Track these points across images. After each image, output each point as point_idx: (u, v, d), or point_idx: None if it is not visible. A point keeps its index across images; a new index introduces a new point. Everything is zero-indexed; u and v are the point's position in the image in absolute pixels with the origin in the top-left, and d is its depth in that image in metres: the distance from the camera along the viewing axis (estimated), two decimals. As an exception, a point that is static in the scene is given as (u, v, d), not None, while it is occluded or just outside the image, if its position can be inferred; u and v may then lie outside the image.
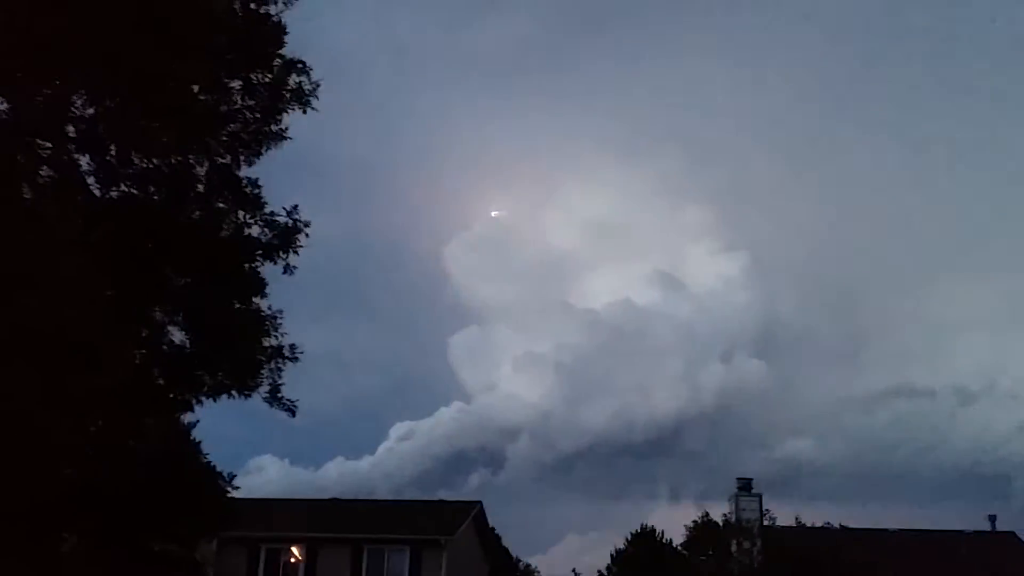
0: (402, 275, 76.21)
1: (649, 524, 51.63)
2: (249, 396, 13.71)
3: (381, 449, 60.03)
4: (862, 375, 65.01)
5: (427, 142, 77.32)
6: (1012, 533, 36.94)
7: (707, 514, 54.71)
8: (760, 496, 35.83)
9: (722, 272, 66.84)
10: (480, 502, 37.29)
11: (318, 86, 13.29)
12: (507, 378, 68.20)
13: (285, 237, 13.36)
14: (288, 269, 13.37)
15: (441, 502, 38.29)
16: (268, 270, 13.38)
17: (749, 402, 64.79)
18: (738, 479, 36.45)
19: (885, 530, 36.44)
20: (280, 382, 13.79)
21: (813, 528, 36.54)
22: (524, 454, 64.78)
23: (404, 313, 78.54)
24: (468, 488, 60.86)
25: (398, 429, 61.30)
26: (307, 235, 13.30)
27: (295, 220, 13.42)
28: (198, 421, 17.09)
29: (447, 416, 64.41)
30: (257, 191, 13.14)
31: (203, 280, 12.75)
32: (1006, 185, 66.01)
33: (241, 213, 13.04)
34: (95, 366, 9.91)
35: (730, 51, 76.12)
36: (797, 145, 75.24)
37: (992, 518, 37.54)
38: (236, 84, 12.70)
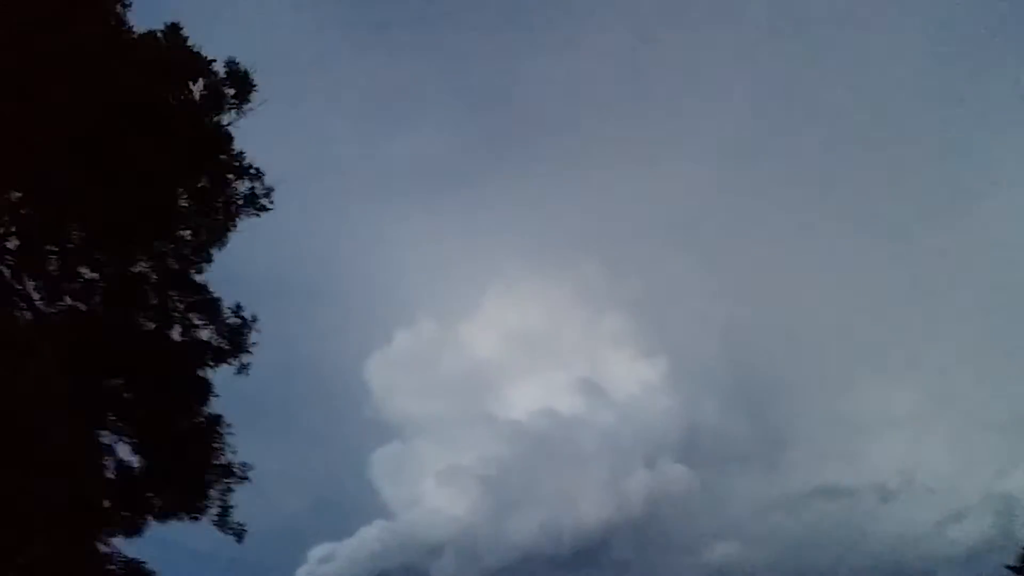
0: (321, 390, 74.65)
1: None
2: (198, 519, 13.00)
3: (301, 573, 57.59)
4: (785, 476, 65.37)
5: (348, 256, 77.06)
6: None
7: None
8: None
9: (643, 378, 67.23)
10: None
11: (271, 191, 13.08)
12: (430, 493, 66.43)
13: (236, 337, 12.90)
14: (242, 369, 12.90)
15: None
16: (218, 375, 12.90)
17: (675, 508, 64.34)
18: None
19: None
20: (230, 504, 13.14)
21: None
22: (449, 571, 62.85)
23: (324, 430, 76.64)
24: (392, 609, 58.54)
25: (318, 551, 59.01)
26: (258, 331, 12.92)
27: (244, 319, 13.02)
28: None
29: (370, 535, 62.33)
30: (210, 295, 12.71)
31: (153, 389, 12.14)
32: (919, 289, 68.30)
33: (192, 317, 12.58)
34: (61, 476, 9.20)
35: (644, 161, 78.30)
36: (713, 250, 77.16)
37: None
38: (187, 189, 12.43)
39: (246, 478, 13.15)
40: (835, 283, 69.98)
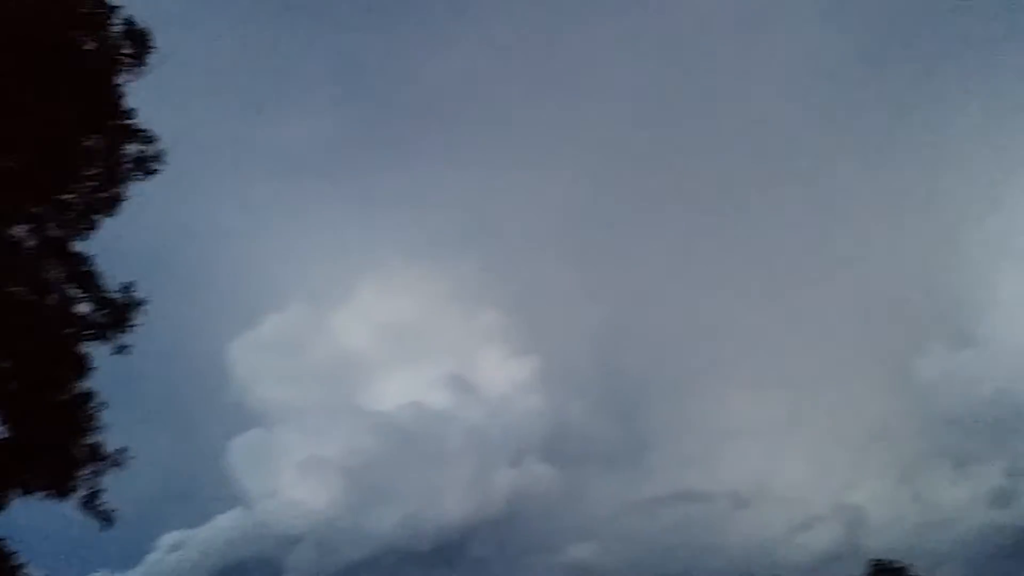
0: (181, 373, 71.90)
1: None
2: (65, 498, 12.17)
3: (149, 561, 55.45)
4: (646, 479, 66.51)
5: (215, 237, 74.52)
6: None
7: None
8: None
9: (513, 376, 67.35)
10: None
11: (162, 155, 12.36)
12: (291, 483, 64.95)
13: (118, 315, 12.11)
14: (121, 349, 12.12)
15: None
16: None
17: (537, 507, 64.70)
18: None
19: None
20: (100, 487, 12.37)
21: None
22: (305, 563, 61.59)
23: (181, 413, 73.85)
24: (242, 601, 57.05)
25: (169, 538, 56.95)
26: (145, 312, 12.18)
27: (130, 297, 12.25)
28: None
29: (224, 524, 60.62)
30: (91, 266, 11.89)
31: (25, 360, 11.26)
32: (788, 303, 70.50)
33: (71, 288, 11.74)
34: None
35: (526, 160, 78.43)
36: (590, 252, 77.90)
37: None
38: (76, 148, 11.58)
39: (121, 462, 12.40)
40: (707, 291, 71.67)
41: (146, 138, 12.29)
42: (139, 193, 12.32)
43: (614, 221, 77.05)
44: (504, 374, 67.59)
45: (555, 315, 74.77)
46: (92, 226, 11.98)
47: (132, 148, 12.24)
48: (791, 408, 65.72)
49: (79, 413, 11.88)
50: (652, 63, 76.33)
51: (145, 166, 12.16)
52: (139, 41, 12.09)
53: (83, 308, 11.92)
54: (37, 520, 12.52)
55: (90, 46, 11.45)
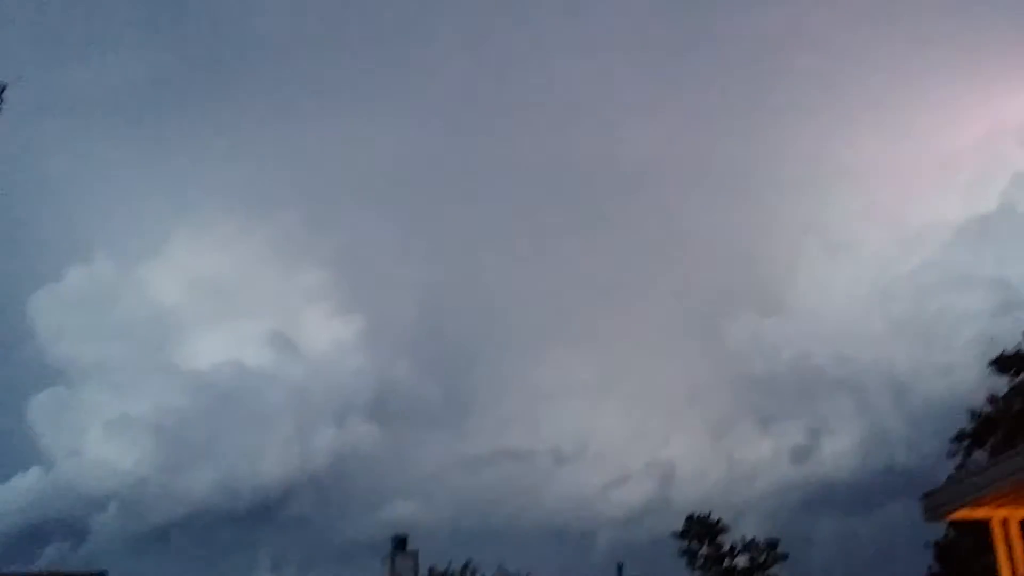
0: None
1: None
2: None
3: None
4: (469, 439, 67.55)
5: (12, 185, 69.10)
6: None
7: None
8: (416, 553, 35.73)
9: (337, 335, 66.67)
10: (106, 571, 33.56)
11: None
12: (97, 443, 61.78)
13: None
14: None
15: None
16: None
17: (360, 466, 64.59)
18: (393, 537, 36.05)
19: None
20: None
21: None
22: (112, 525, 58.85)
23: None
24: (42, 563, 53.93)
25: (-43, 499, 53.24)
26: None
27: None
28: None
29: (23, 485, 57.26)
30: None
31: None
32: (613, 265, 72.76)
33: None
34: None
35: (356, 114, 76.87)
36: (420, 213, 77.50)
37: (620, 566, 40.79)
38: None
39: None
40: (531, 255, 73.17)
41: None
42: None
43: (443, 181, 77.10)
44: (327, 332, 66.85)
45: (380, 274, 74.34)
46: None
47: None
48: (610, 369, 68.44)
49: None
50: (486, 20, 76.29)
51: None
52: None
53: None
54: None
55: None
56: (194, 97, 76.28)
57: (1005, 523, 14.46)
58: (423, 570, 36.23)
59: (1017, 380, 33.68)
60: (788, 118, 69.59)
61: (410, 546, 36.46)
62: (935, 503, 14.61)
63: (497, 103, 76.44)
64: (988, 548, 31.69)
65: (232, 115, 75.81)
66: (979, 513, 14.51)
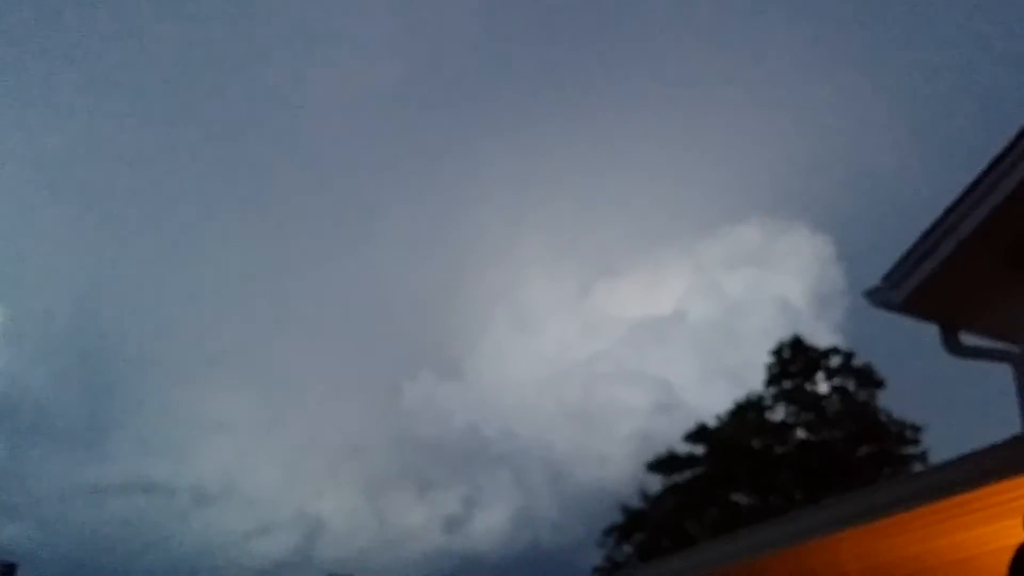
0: None
1: None
2: None
3: None
4: (102, 463, 61.27)
5: None
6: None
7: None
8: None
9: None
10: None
11: None
12: None
13: None
14: None
15: None
16: None
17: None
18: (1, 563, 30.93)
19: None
20: None
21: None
22: None
23: None
24: None
25: None
26: None
27: None
28: None
29: None
30: None
31: None
32: (292, 303, 69.49)
33: None
34: None
35: (22, 84, 69.08)
36: (95, 204, 70.30)
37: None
38: None
39: None
40: (214, 278, 68.46)
41: None
42: None
43: (128, 176, 70.68)
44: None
45: (37, 265, 66.56)
46: None
47: None
48: (274, 411, 64.97)
49: None
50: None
51: None
52: None
53: None
54: None
55: None
56: None
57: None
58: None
59: (670, 481, 34.66)
60: (499, 186, 70.64)
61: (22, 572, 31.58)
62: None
63: (206, 95, 71.63)
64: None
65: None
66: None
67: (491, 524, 58.08)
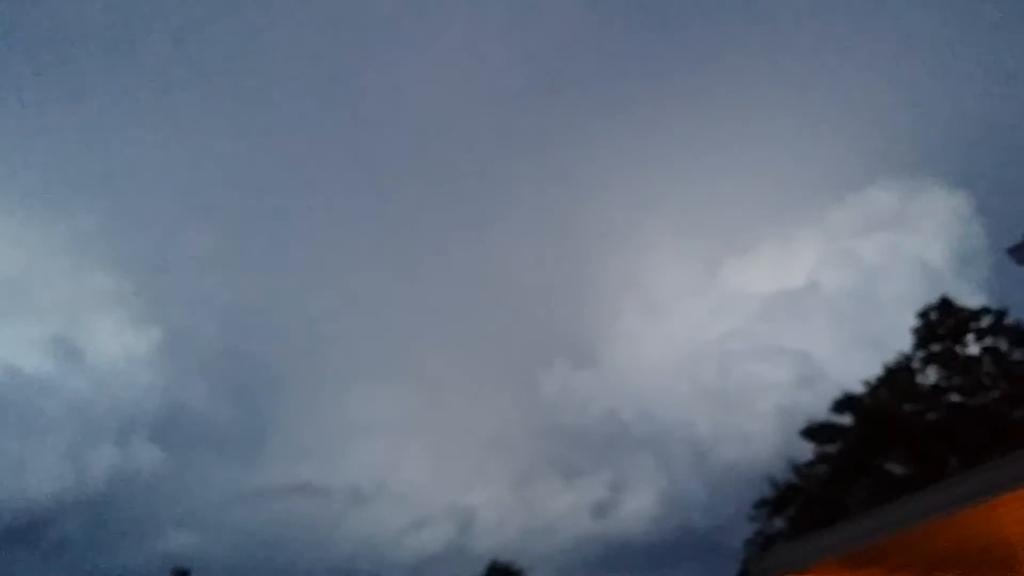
0: None
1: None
2: None
3: None
4: (261, 470, 64.25)
5: None
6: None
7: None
8: (194, 588, 32.91)
9: (129, 347, 62.36)
10: None
11: None
12: None
13: None
14: None
15: None
16: None
17: (140, 490, 60.15)
18: (173, 570, 33.30)
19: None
20: None
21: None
22: None
23: None
24: None
25: None
26: None
27: None
28: None
29: None
30: None
31: None
32: (431, 300, 71.33)
33: None
34: None
35: (163, 105, 72.46)
36: (234, 227, 73.63)
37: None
38: None
39: None
40: (351, 284, 70.77)
41: None
42: None
43: (266, 196, 73.77)
44: (118, 343, 62.48)
45: (184, 286, 70.19)
46: None
47: None
48: (418, 409, 66.78)
49: None
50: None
51: None
52: None
53: None
54: None
55: None
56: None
57: (827, 593, 13.78)
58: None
59: (822, 450, 34.29)
60: (621, 179, 70.67)
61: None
62: (766, 565, 13.81)
63: (341, 121, 74.03)
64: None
65: (28, 96, 70.23)
66: (804, 580, 13.77)
67: (639, 508, 58.38)
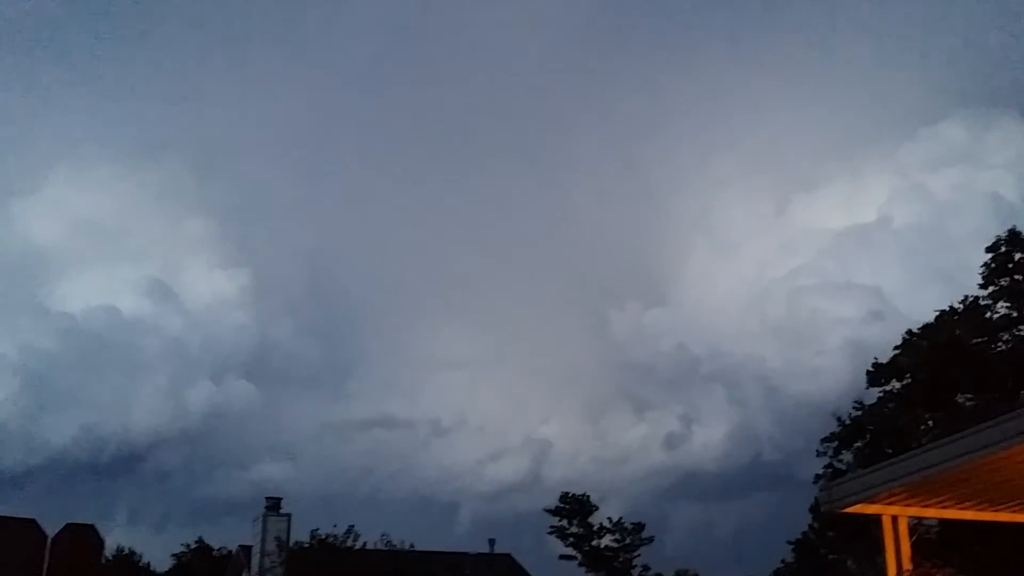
0: None
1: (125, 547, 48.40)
2: None
3: None
4: (347, 403, 66.99)
5: None
6: (508, 555, 40.44)
7: (201, 540, 52.29)
8: (289, 516, 35.03)
9: (220, 289, 65.03)
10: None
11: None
12: (-49, 381, 58.58)
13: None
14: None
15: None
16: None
17: (233, 424, 63.35)
18: (267, 498, 35.39)
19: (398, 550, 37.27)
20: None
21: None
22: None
23: None
24: None
25: None
26: None
27: None
28: None
29: None
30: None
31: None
32: (500, 239, 72.82)
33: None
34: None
35: (246, 59, 74.56)
36: (314, 170, 75.75)
37: (492, 541, 40.94)
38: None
39: None
40: (428, 225, 72.49)
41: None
42: None
43: (349, 141, 75.61)
44: (210, 285, 65.26)
45: (272, 230, 72.66)
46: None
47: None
48: (497, 345, 68.69)
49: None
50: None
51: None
52: None
53: None
54: None
55: None
56: (76, 33, 72.96)
57: (895, 520, 14.90)
58: (295, 533, 35.55)
59: (888, 388, 34.89)
60: (687, 118, 70.90)
61: (282, 509, 35.78)
62: (835, 495, 14.97)
63: (413, 67, 75.20)
64: (846, 546, 33.19)
65: (119, 53, 72.72)
66: (872, 508, 14.91)
67: (709, 440, 59.83)
